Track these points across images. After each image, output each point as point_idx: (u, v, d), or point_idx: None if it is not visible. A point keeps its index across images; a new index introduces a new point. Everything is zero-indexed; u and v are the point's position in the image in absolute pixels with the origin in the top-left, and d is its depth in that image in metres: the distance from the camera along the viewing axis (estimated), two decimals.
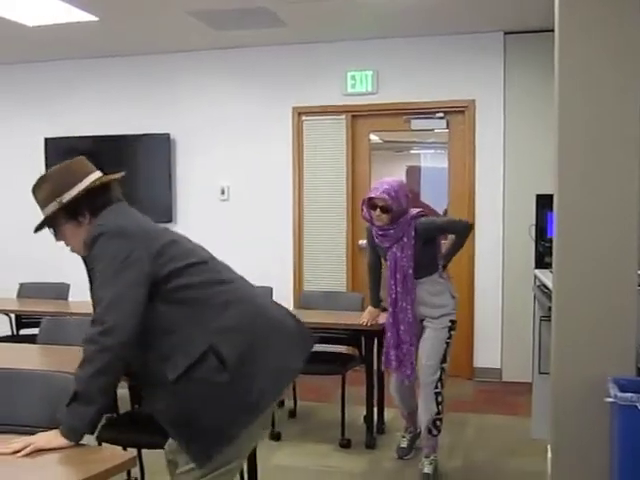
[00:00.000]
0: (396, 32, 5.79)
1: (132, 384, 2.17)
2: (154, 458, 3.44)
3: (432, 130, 6.19)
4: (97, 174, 2.29)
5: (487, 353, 5.87)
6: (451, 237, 4.01)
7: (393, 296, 3.78)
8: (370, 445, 4.25)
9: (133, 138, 6.50)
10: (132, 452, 2.46)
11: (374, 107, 6.03)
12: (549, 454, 3.02)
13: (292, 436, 4.49)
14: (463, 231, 3.94)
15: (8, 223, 6.75)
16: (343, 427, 4.32)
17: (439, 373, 3.74)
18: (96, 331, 2.05)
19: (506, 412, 5.01)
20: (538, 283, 4.25)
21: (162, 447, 3.15)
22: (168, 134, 6.43)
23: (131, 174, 6.89)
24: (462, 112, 5.89)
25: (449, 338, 3.78)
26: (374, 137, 6.38)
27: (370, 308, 4.12)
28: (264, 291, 3.82)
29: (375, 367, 4.31)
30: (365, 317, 4.10)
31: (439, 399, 3.75)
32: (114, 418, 3.66)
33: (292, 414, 4.91)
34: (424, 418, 3.79)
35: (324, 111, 6.15)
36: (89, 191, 2.23)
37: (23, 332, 5.03)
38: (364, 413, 4.31)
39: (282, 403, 4.98)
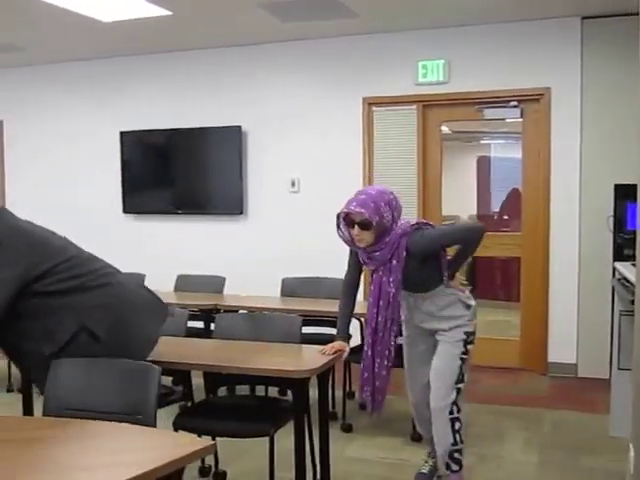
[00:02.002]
0: (467, 20, 5.69)
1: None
2: (227, 446, 3.50)
3: (504, 120, 6.06)
4: None
5: (562, 348, 5.72)
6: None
7: (373, 325, 3.26)
8: None
9: (205, 131, 6.58)
10: (208, 440, 2.49)
11: (446, 97, 5.93)
12: (631, 452, 2.92)
13: (363, 428, 4.49)
14: (472, 239, 3.30)
15: (95, 214, 6.95)
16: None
17: (454, 395, 3.25)
18: None
19: (583, 409, 4.87)
20: (618, 276, 4.11)
21: (237, 435, 3.21)
22: (239, 126, 6.48)
23: (203, 166, 7.05)
24: (537, 100, 5.74)
25: (464, 353, 3.28)
26: (443, 127, 6.28)
27: (339, 342, 3.25)
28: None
29: None
30: (327, 349, 3.17)
31: (456, 426, 3.27)
32: (189, 406, 3.74)
33: (363, 406, 4.89)
34: (439, 451, 3.32)
35: (395, 101, 6.08)
36: None
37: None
38: None
39: (352, 395, 4.98)
